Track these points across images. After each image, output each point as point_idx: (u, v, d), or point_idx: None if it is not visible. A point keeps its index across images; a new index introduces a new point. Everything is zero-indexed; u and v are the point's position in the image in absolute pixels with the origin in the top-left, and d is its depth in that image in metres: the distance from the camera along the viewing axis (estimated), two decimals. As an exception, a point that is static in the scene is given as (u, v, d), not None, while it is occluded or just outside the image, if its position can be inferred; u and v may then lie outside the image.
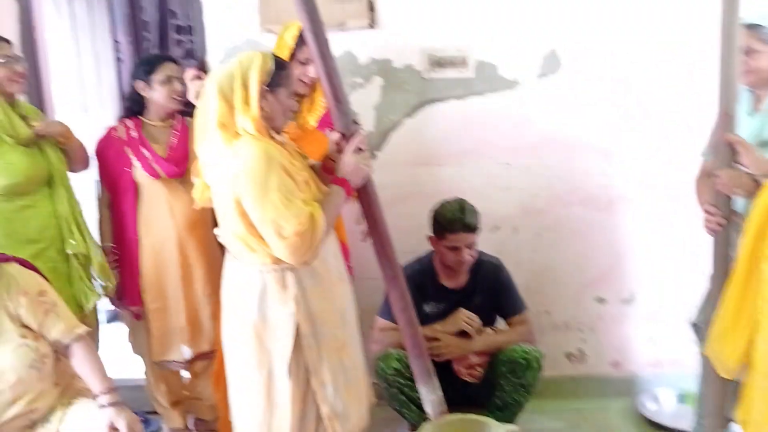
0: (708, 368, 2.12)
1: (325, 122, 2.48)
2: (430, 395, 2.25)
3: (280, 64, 1.98)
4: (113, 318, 3.55)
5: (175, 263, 2.63)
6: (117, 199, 2.64)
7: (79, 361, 2.07)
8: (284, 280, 1.97)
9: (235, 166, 1.88)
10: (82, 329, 2.09)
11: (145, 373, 2.79)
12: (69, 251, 2.48)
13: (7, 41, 2.43)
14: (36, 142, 2.44)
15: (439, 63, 2.91)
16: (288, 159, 1.95)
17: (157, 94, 2.59)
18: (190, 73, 2.49)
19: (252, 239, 1.93)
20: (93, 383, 2.03)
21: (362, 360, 2.20)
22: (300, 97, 2.45)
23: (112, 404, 1.98)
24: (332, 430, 2.06)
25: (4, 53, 2.38)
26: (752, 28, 2.12)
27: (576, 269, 3.05)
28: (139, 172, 2.58)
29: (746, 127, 2.18)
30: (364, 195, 2.10)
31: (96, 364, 2.07)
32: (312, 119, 2.52)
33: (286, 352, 1.99)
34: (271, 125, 1.97)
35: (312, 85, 2.49)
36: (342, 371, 2.07)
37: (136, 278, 2.65)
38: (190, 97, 2.50)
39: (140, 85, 2.60)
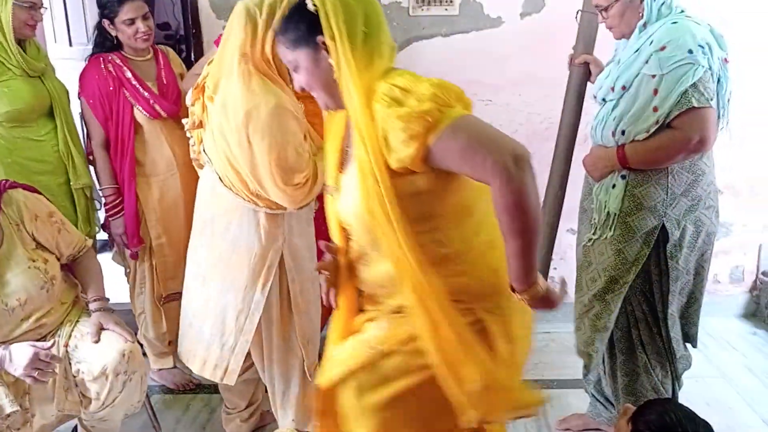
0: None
1: None
2: None
3: None
4: (102, 248, 3.59)
5: (179, 198, 2.65)
6: (117, 139, 2.58)
7: (83, 269, 2.22)
8: (276, 219, 2.07)
9: (249, 106, 1.88)
10: (90, 241, 2.26)
11: (143, 312, 2.79)
12: (77, 185, 2.55)
13: None
14: (40, 74, 2.46)
15: (425, 0, 2.94)
16: (297, 108, 1.97)
17: (122, 35, 2.53)
18: None
19: (254, 182, 1.97)
20: (90, 290, 2.18)
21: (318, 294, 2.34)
22: None
23: (101, 309, 2.13)
24: (305, 354, 2.21)
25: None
26: None
27: (551, 202, 3.17)
28: (139, 113, 2.57)
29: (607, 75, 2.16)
30: None
31: (96, 274, 2.23)
32: None
33: (270, 280, 2.12)
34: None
35: None
36: (313, 302, 2.22)
37: (137, 219, 2.64)
38: None
39: (106, 23, 2.53)
